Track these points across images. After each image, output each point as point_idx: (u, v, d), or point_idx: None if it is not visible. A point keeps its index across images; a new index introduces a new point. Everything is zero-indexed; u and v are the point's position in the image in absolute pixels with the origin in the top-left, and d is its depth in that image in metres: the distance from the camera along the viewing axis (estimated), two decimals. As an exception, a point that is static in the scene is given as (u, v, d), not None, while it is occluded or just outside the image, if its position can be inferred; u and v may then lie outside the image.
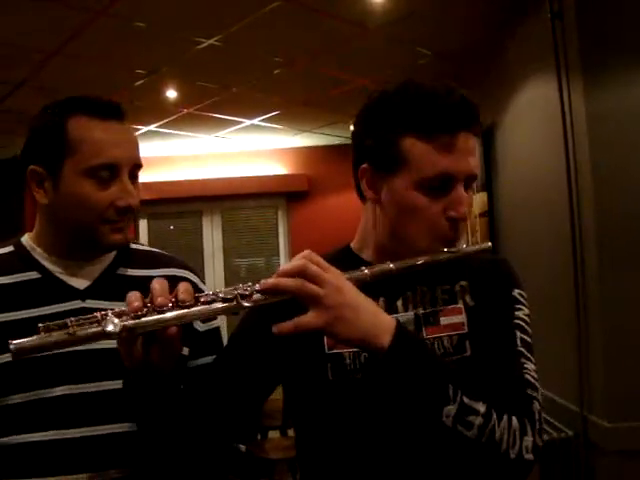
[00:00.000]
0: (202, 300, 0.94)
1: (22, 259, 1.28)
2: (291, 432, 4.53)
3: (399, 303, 1.12)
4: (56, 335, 0.89)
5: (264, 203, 6.75)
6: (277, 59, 3.79)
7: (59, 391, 1.19)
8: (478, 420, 0.94)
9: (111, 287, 1.29)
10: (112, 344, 1.20)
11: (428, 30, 3.43)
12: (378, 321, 0.95)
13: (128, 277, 1.32)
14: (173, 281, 1.31)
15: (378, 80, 4.00)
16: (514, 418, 0.97)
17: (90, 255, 1.30)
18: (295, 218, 6.64)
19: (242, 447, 1.33)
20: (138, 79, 4.03)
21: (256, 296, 0.94)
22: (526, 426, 0.98)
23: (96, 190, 1.20)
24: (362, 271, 1.00)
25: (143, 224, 6.68)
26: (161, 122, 5.18)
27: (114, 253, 1.33)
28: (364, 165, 1.11)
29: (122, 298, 1.24)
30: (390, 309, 1.12)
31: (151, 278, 1.30)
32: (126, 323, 0.91)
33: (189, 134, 5.68)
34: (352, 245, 1.23)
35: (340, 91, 4.44)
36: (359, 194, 1.18)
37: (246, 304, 0.93)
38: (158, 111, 4.85)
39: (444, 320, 1.10)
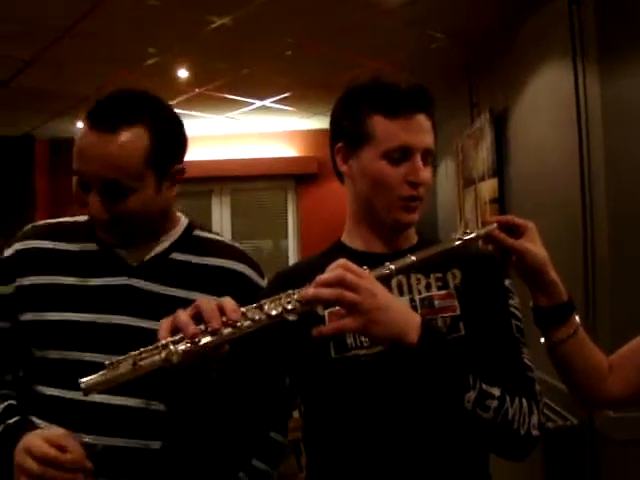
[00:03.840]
0: (249, 316, 1.00)
1: (87, 230, 1.35)
2: (296, 414, 4.55)
3: (395, 288, 1.22)
4: (122, 368, 0.94)
5: (274, 185, 6.75)
6: (289, 40, 3.76)
7: (93, 357, 1.25)
8: (494, 403, 1.05)
9: (160, 270, 1.34)
10: (152, 326, 1.23)
11: (442, 13, 3.39)
12: (407, 320, 1.04)
13: (181, 262, 1.36)
14: (229, 274, 1.38)
15: (391, 63, 3.97)
16: (523, 399, 1.10)
17: (154, 233, 1.36)
18: (304, 200, 6.63)
19: (277, 437, 1.37)
20: (149, 58, 4.01)
21: (298, 305, 1.01)
22: (532, 406, 1.11)
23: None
24: (387, 267, 1.08)
25: (152, 204, 6.68)
26: (172, 102, 5.16)
27: (174, 237, 1.38)
28: (339, 144, 1.28)
29: (168, 282, 1.33)
30: None
31: (208, 267, 1.36)
32: (186, 349, 0.95)
33: (200, 114, 5.66)
34: (342, 238, 1.33)
35: (352, 74, 4.39)
36: (337, 174, 1.32)
37: (291, 317, 1.01)
38: (169, 91, 4.83)
39: (438, 304, 1.21)
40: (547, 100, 3.04)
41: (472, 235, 1.19)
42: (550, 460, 2.55)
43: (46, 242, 1.35)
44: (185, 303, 1.27)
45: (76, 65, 4.09)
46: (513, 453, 1.13)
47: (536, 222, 1.28)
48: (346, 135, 1.27)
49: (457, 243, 1.17)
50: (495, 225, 1.22)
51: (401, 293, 1.21)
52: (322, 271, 1.09)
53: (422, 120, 1.23)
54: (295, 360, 1.23)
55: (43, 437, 1.11)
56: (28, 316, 1.30)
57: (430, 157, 1.25)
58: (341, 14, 3.36)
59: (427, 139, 1.23)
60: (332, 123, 1.34)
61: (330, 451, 1.21)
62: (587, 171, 2.54)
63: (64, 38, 3.58)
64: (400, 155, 1.21)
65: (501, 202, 3.60)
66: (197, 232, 1.41)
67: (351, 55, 4.05)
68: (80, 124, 1.25)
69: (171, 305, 1.25)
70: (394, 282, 1.22)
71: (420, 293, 1.22)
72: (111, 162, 1.22)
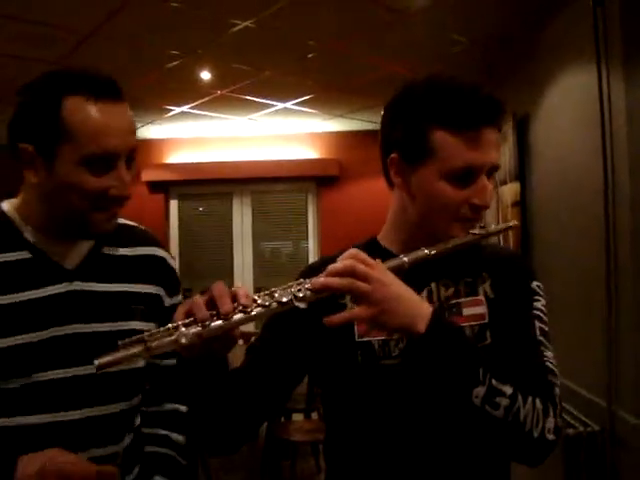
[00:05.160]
0: (260, 302, 1.00)
1: (9, 235, 1.23)
2: (314, 415, 4.56)
3: (424, 295, 1.18)
4: (134, 348, 0.95)
5: (294, 187, 6.75)
6: (311, 43, 3.77)
7: (56, 375, 1.20)
8: (505, 401, 1.01)
9: (98, 267, 1.30)
10: (105, 328, 1.26)
11: (463, 17, 3.38)
12: (417, 310, 1.02)
13: (113, 257, 1.33)
14: (153, 261, 1.39)
15: (412, 67, 3.96)
16: (538, 400, 1.05)
17: (77, 236, 1.28)
18: (325, 203, 6.63)
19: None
20: (172, 60, 4.04)
21: (308, 294, 1.01)
22: (549, 408, 1.06)
23: (91, 178, 1.16)
24: (400, 259, 1.07)
25: (173, 205, 6.74)
26: (194, 103, 5.20)
27: None
28: (393, 155, 1.18)
29: (108, 279, 1.29)
30: None
31: (133, 258, 1.35)
32: (196, 332, 0.97)
33: (222, 116, 5.69)
34: (379, 238, 1.29)
35: (374, 77, 4.41)
36: (387, 180, 1.23)
37: (301, 305, 1.00)
38: (191, 92, 4.87)
39: (466, 311, 1.17)
40: (570, 103, 3.01)
41: (489, 230, 1.16)
42: (570, 466, 2.53)
43: None
44: (130, 296, 1.31)
45: (99, 68, 4.13)
46: (527, 457, 1.08)
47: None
48: (401, 146, 1.17)
49: (472, 239, 1.15)
50: (514, 222, 1.21)
51: (430, 300, 1.18)
52: None
53: (491, 134, 1.13)
54: (321, 363, 1.22)
55: (55, 458, 1.08)
56: None
57: (494, 172, 1.17)
58: (363, 17, 3.35)
59: (494, 155, 1.14)
60: (384, 129, 1.23)
61: (351, 455, 1.20)
62: (611, 175, 2.51)
63: (87, 41, 3.62)
64: (464, 175, 1.12)
65: (523, 205, 3.58)
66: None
67: (373, 57, 4.06)
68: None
69: (117, 301, 1.29)
70: (424, 292, 1.18)
71: (448, 300, 1.19)
72: (132, 129, 1.23)
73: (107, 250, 1.33)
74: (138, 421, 1.40)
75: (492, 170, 1.15)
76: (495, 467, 1.17)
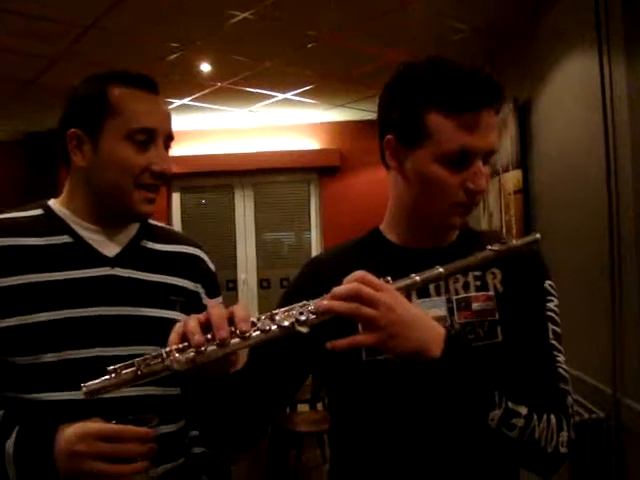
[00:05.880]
0: (259, 327, 0.96)
1: (53, 222, 1.31)
2: (320, 406, 4.57)
3: (431, 287, 1.14)
4: (124, 375, 0.92)
5: (296, 178, 6.74)
6: (311, 33, 3.75)
7: (92, 353, 1.23)
8: (520, 422, 0.99)
9: (138, 258, 1.35)
10: (146, 312, 1.30)
11: (463, 4, 3.36)
12: (429, 334, 0.98)
13: (152, 250, 1.39)
14: (190, 259, 1.45)
15: (413, 55, 3.93)
16: (552, 416, 1.03)
17: (119, 223, 1.34)
18: (327, 193, 6.62)
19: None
20: (172, 53, 4.03)
21: (310, 317, 0.96)
22: (562, 422, 1.04)
23: (134, 153, 1.26)
24: (412, 278, 1.02)
25: (176, 197, 6.74)
26: (194, 96, 5.19)
27: (137, 226, 1.38)
28: (389, 136, 1.14)
29: (148, 269, 1.35)
30: (423, 294, 1.14)
31: (172, 253, 1.42)
32: (190, 357, 0.93)
33: (222, 108, 5.68)
34: (381, 228, 1.26)
35: (374, 66, 4.39)
36: (384, 163, 1.21)
37: (302, 330, 0.95)
38: (191, 85, 4.85)
39: (476, 306, 1.13)
40: (572, 89, 3.00)
41: (509, 245, 1.09)
42: (575, 453, 2.53)
43: (9, 239, 1.25)
44: (169, 288, 1.37)
45: (100, 61, 4.13)
46: (539, 469, 1.08)
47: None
48: (397, 128, 1.13)
49: (490, 255, 1.08)
50: (537, 236, 1.12)
51: (438, 293, 1.14)
52: (356, 260, 1.07)
53: (488, 117, 1.08)
54: (324, 359, 1.17)
55: (95, 422, 1.09)
56: (10, 321, 1.20)
57: (491, 157, 1.12)
58: (363, 5, 3.34)
59: (491, 139, 1.09)
60: (381, 110, 1.19)
61: (355, 446, 1.18)
62: (613, 161, 2.50)
63: (87, 35, 3.61)
64: (459, 159, 1.07)
65: (525, 193, 3.57)
66: (151, 222, 1.44)
67: (373, 46, 4.04)
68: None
69: (157, 290, 1.34)
70: (433, 286, 1.14)
71: (457, 293, 1.14)
72: (169, 116, 1.35)
73: (146, 243, 1.39)
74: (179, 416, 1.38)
75: (488, 154, 1.10)
76: (503, 465, 1.15)
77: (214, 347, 0.93)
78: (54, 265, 1.25)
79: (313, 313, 0.96)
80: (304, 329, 0.95)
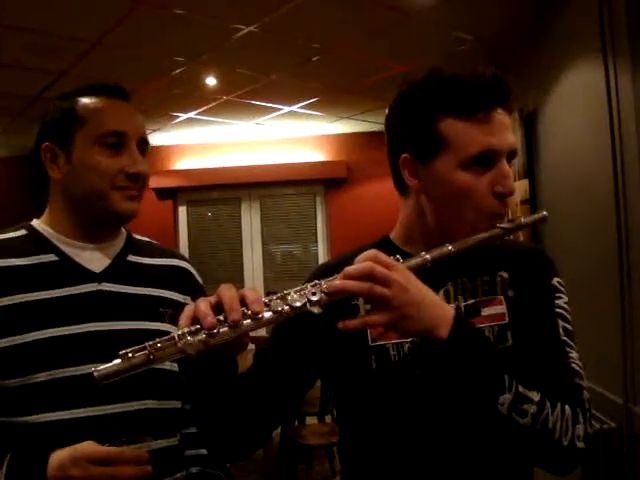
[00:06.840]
0: (271, 307, 0.94)
1: (37, 242, 1.30)
2: (328, 418, 4.55)
3: (440, 294, 1.12)
4: (135, 359, 0.90)
5: (303, 190, 6.76)
6: (316, 45, 3.77)
7: (83, 370, 1.20)
8: (532, 408, 0.96)
9: (124, 272, 1.35)
10: (136, 326, 1.30)
11: (469, 15, 3.37)
12: (438, 314, 0.96)
13: (138, 264, 1.39)
14: (177, 271, 1.46)
15: (418, 66, 3.94)
16: (567, 407, 0.99)
17: (103, 234, 1.34)
18: (333, 205, 6.63)
19: None
20: (177, 67, 4.05)
21: (323, 297, 0.94)
22: (578, 415, 1.00)
23: (106, 157, 1.27)
24: (422, 256, 1.00)
25: (182, 210, 6.76)
26: (200, 109, 5.22)
27: (123, 241, 1.39)
28: (404, 155, 1.11)
29: (135, 283, 1.35)
30: None
31: (159, 267, 1.42)
32: (202, 340, 0.91)
33: (228, 121, 5.70)
34: (392, 237, 1.22)
35: (380, 77, 4.41)
36: (397, 186, 1.18)
37: (315, 310, 0.94)
38: (197, 98, 4.88)
39: (485, 311, 1.11)
40: (578, 99, 2.99)
41: (518, 222, 1.08)
42: (587, 464, 2.51)
43: None
44: (158, 300, 1.36)
45: (105, 76, 4.15)
46: (556, 466, 1.03)
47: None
48: (411, 144, 1.10)
49: (499, 232, 1.07)
50: (545, 213, 1.11)
51: (447, 301, 1.12)
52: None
53: (502, 115, 1.07)
54: (334, 368, 1.17)
55: (89, 445, 1.08)
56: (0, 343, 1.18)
57: (514, 158, 1.10)
58: (368, 18, 3.35)
59: (511, 137, 1.07)
60: (390, 131, 1.16)
61: (366, 459, 1.16)
62: (620, 170, 2.49)
63: (93, 50, 3.64)
64: (483, 161, 1.05)
65: (532, 203, 3.56)
66: (136, 236, 1.46)
67: (378, 59, 4.05)
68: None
69: (145, 303, 1.34)
70: (441, 292, 1.12)
71: (466, 300, 1.13)
72: (140, 121, 1.35)
73: (132, 258, 1.39)
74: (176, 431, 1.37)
75: (511, 155, 1.08)
76: (517, 466, 1.12)
77: (226, 329, 0.92)
78: (41, 284, 1.24)
79: (325, 293, 0.94)
80: (316, 309, 0.94)
